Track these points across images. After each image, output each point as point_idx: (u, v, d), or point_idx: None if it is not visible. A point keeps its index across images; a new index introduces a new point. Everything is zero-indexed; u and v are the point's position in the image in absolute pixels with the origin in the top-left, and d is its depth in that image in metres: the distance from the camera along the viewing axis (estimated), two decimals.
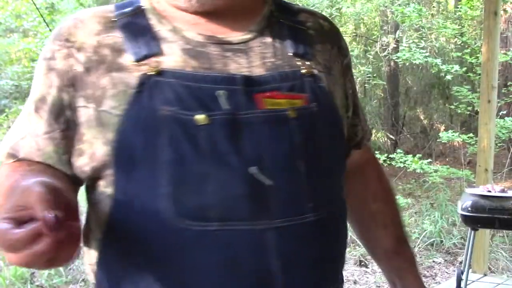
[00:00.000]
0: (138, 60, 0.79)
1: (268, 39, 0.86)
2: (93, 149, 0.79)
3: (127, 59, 0.80)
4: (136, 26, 0.83)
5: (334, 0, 7.84)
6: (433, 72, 8.18)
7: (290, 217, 0.77)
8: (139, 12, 0.85)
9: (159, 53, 0.80)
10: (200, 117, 0.75)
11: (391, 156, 6.66)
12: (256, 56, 0.84)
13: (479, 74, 5.05)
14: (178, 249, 0.74)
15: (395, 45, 8.35)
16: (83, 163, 0.80)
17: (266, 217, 0.75)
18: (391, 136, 8.91)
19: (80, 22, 0.84)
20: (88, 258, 0.85)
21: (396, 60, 7.69)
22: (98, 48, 0.81)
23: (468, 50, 7.22)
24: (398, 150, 6.96)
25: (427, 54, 7.43)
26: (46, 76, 0.83)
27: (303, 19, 0.93)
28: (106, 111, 0.78)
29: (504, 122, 6.37)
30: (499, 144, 6.72)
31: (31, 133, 0.83)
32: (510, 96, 7.17)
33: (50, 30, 6.37)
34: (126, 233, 0.77)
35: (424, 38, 7.88)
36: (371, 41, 9.20)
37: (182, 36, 0.82)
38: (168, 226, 0.74)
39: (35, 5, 6.00)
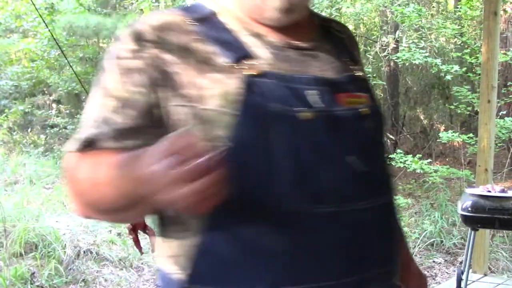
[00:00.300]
0: (234, 62, 0.85)
1: (327, 46, 0.97)
2: None
3: (221, 60, 0.85)
4: (217, 30, 0.89)
5: (334, 0, 7.84)
6: (433, 72, 8.17)
7: (377, 198, 0.91)
8: (214, 16, 0.91)
9: (251, 56, 0.87)
10: (305, 114, 0.84)
11: (391, 156, 6.66)
12: (324, 61, 0.94)
13: (479, 74, 5.05)
14: (298, 231, 0.82)
15: (394, 45, 8.35)
16: None
17: (364, 198, 0.88)
18: (391, 136, 8.90)
19: (160, 24, 0.87)
20: (165, 250, 0.89)
21: (396, 60, 7.68)
22: (187, 49, 0.85)
23: (468, 50, 7.21)
24: (398, 150, 6.96)
25: (427, 54, 7.42)
26: (127, 75, 0.86)
27: (338, 28, 1.05)
28: (211, 110, 0.83)
29: (504, 122, 6.36)
30: (499, 144, 6.72)
31: (116, 129, 0.85)
32: (510, 96, 7.16)
33: (50, 30, 6.38)
34: (240, 222, 0.82)
35: (423, 38, 7.87)
36: (371, 41, 9.20)
37: (265, 41, 0.90)
38: (288, 211, 0.82)
39: (34, 5, 6.00)
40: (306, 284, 0.83)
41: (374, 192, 0.91)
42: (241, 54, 0.86)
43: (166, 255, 0.89)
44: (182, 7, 0.93)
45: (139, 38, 0.87)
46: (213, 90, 0.83)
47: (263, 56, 0.88)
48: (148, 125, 0.84)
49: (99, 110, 0.87)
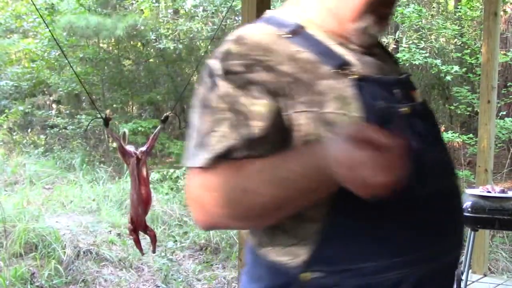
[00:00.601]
0: (337, 69, 0.95)
1: (382, 52, 1.10)
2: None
3: (327, 68, 0.95)
4: (311, 41, 0.98)
5: None
6: (433, 72, 8.17)
7: (455, 180, 1.07)
8: (303, 29, 0.99)
9: (347, 62, 0.97)
10: (406, 109, 0.99)
11: None
12: (388, 63, 1.08)
13: (479, 75, 5.05)
14: (414, 209, 0.95)
15: (395, 46, 8.35)
16: None
17: (445, 180, 1.03)
18: None
19: (261, 37, 0.95)
20: (270, 240, 0.97)
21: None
22: (295, 60, 0.94)
23: (468, 51, 7.21)
24: None
25: (427, 54, 7.42)
26: (243, 89, 0.91)
27: None
28: (331, 112, 0.92)
29: (504, 122, 6.37)
30: (499, 145, 6.72)
31: (247, 139, 0.90)
32: (510, 96, 7.16)
33: (50, 30, 6.38)
34: (362, 205, 0.89)
35: (424, 39, 7.87)
36: None
37: (349, 49, 1.01)
38: (406, 192, 0.89)
39: (35, 6, 6.00)
40: (420, 252, 0.96)
41: (453, 175, 1.06)
42: (339, 61, 0.96)
43: (271, 245, 0.97)
44: (267, 21, 1.00)
45: (245, 53, 0.92)
46: (329, 95, 0.92)
47: (354, 62, 0.98)
48: (273, 131, 0.91)
49: (221, 125, 0.91)
